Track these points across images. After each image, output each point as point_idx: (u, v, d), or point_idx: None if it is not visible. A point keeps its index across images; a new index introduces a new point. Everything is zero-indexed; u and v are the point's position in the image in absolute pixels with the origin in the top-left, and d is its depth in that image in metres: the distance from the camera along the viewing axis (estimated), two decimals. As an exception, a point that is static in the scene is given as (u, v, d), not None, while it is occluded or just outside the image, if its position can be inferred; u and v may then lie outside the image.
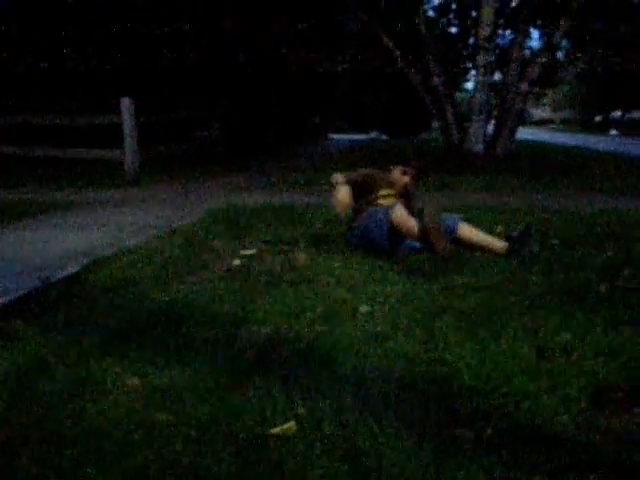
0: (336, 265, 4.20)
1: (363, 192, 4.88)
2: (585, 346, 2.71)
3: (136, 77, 12.76)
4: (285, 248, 4.80)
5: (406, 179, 5.01)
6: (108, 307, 3.37)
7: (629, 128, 45.03)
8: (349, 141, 27.06)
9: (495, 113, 13.15)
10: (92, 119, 10.98)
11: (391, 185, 5.01)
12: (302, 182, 9.96)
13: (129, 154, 10.33)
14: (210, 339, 2.87)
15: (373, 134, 35.74)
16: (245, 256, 4.54)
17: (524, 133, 23.06)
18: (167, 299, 3.51)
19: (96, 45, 12.89)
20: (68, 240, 5.43)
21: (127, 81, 12.39)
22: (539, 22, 13.08)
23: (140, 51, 12.95)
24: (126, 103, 10.18)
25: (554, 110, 64.89)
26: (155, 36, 12.84)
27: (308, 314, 3.20)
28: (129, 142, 10.28)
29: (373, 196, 4.89)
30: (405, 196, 5.02)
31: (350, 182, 4.74)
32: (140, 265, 4.31)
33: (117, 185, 9.82)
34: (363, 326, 3.02)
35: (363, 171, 5.01)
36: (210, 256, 4.58)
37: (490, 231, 5.11)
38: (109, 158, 10.91)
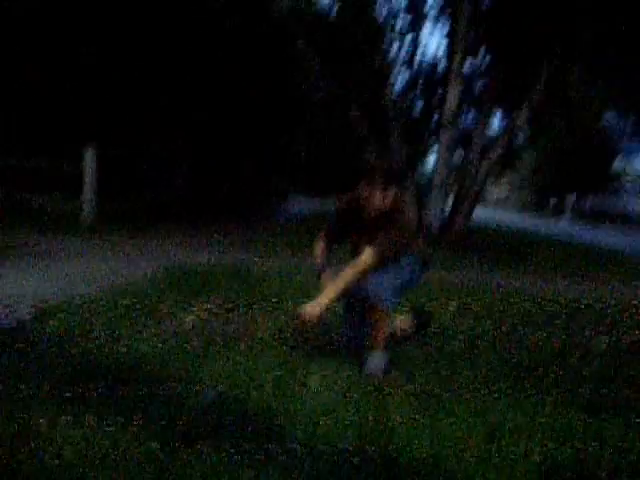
0: (289, 332, 4.17)
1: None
2: (534, 428, 2.72)
3: (102, 128, 12.75)
4: (240, 311, 4.76)
5: (376, 198, 3.60)
6: (55, 356, 3.29)
7: (582, 213, 46.40)
8: (309, 205, 27.30)
9: (454, 190, 13.39)
10: (53, 164, 10.89)
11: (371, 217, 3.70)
12: (260, 245, 9.95)
13: (88, 203, 10.25)
14: (157, 397, 2.81)
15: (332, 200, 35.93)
16: (198, 316, 4.49)
17: (481, 212, 23.50)
18: (116, 353, 3.43)
19: (61, 93, 12.84)
20: (18, 285, 5.31)
21: (92, 131, 12.36)
22: (502, 106, 13.50)
23: (107, 103, 12.97)
24: (89, 153, 10.15)
25: (511, 191, 66.42)
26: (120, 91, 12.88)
27: (259, 380, 3.15)
28: (88, 191, 10.22)
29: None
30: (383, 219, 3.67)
31: (328, 235, 3.96)
32: (90, 317, 4.22)
33: (73, 233, 9.68)
34: (314, 395, 2.98)
35: (335, 213, 3.98)
36: (162, 313, 4.51)
37: (444, 307, 5.17)
38: (67, 205, 10.81)
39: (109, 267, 6.72)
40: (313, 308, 3.45)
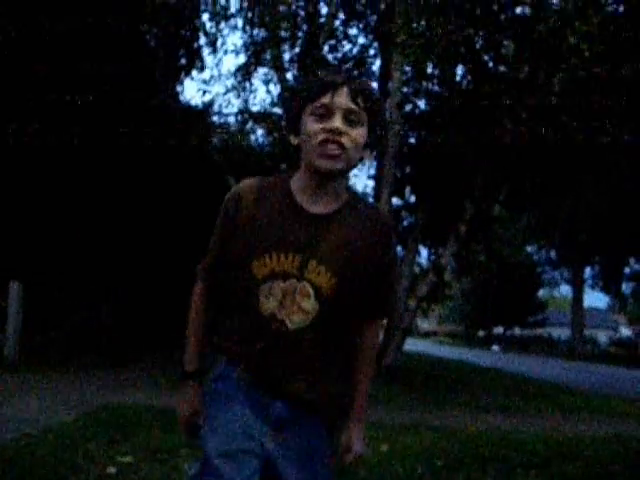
0: None
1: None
2: None
3: (25, 261, 12.55)
4: (165, 457, 4.58)
5: (336, 124, 1.70)
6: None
7: (509, 344, 47.37)
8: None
9: (383, 326, 13.52)
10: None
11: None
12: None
13: (11, 339, 9.91)
14: None
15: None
16: (121, 464, 4.30)
17: (410, 344, 23.67)
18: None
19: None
20: None
21: (15, 264, 12.15)
22: (428, 242, 13.96)
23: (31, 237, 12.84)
24: (15, 288, 9.93)
25: (440, 323, 67.35)
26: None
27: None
28: (12, 327, 9.90)
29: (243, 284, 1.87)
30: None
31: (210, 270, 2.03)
32: (5, 467, 4.00)
33: (-6, 370, 9.29)
34: None
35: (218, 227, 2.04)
36: (84, 461, 4.30)
37: (374, 448, 5.10)
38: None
39: (29, 409, 6.43)
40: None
